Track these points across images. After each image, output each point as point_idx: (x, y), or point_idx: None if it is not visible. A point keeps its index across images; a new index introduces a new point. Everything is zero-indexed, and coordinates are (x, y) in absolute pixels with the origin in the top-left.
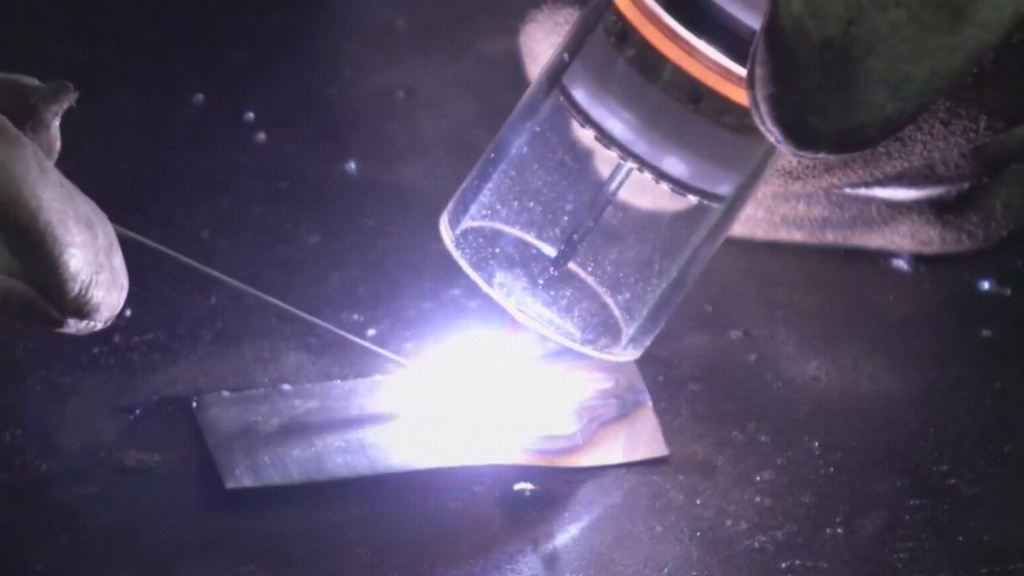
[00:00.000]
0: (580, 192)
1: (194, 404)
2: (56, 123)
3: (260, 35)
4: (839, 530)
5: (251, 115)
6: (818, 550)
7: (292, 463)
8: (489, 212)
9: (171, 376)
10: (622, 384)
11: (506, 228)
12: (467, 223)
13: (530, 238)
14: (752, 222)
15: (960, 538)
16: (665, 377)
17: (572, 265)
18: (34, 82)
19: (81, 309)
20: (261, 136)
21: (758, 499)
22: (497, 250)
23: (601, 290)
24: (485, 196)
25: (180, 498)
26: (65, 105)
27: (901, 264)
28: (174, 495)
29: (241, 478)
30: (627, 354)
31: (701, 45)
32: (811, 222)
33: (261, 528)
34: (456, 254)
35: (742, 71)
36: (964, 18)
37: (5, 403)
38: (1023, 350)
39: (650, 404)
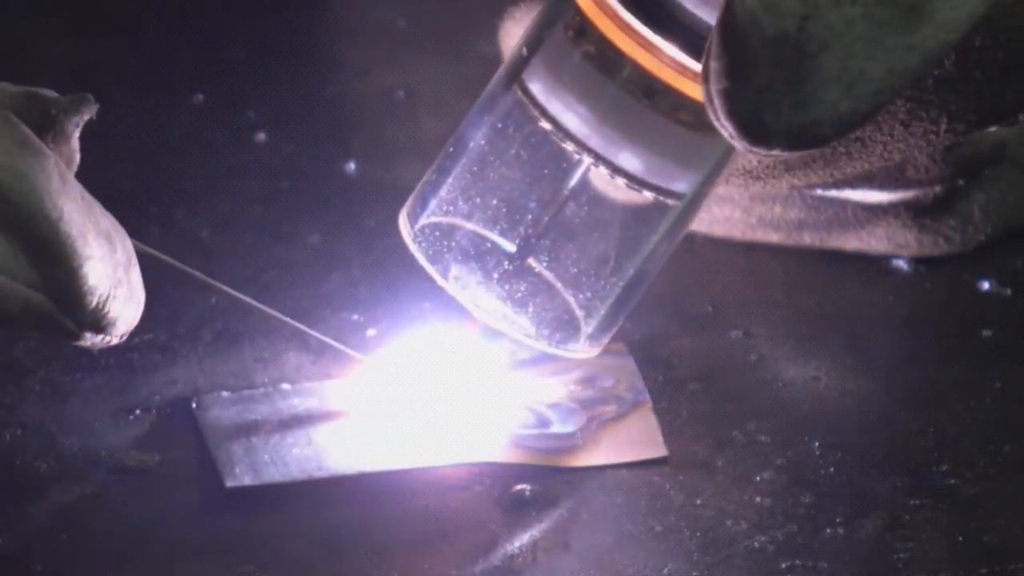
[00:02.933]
0: (539, 188)
1: (194, 404)
2: (76, 135)
3: (260, 35)
4: (839, 530)
5: (251, 115)
6: (818, 550)
7: (292, 461)
8: (448, 207)
9: (171, 376)
10: (622, 384)
11: (464, 223)
12: (426, 218)
13: (488, 233)
14: (729, 223)
15: (960, 538)
16: (665, 377)
17: (530, 261)
18: (53, 94)
19: (98, 323)
20: (261, 136)
21: (758, 499)
22: (454, 244)
23: (558, 286)
24: (444, 191)
25: (180, 498)
26: (86, 117)
27: (901, 264)
28: (174, 495)
29: (241, 476)
30: (584, 351)
31: (657, 40)
32: (787, 224)
33: (261, 528)
34: (413, 248)
35: (698, 67)
36: (921, 16)
37: (5, 403)
38: (1023, 350)
39: (650, 404)
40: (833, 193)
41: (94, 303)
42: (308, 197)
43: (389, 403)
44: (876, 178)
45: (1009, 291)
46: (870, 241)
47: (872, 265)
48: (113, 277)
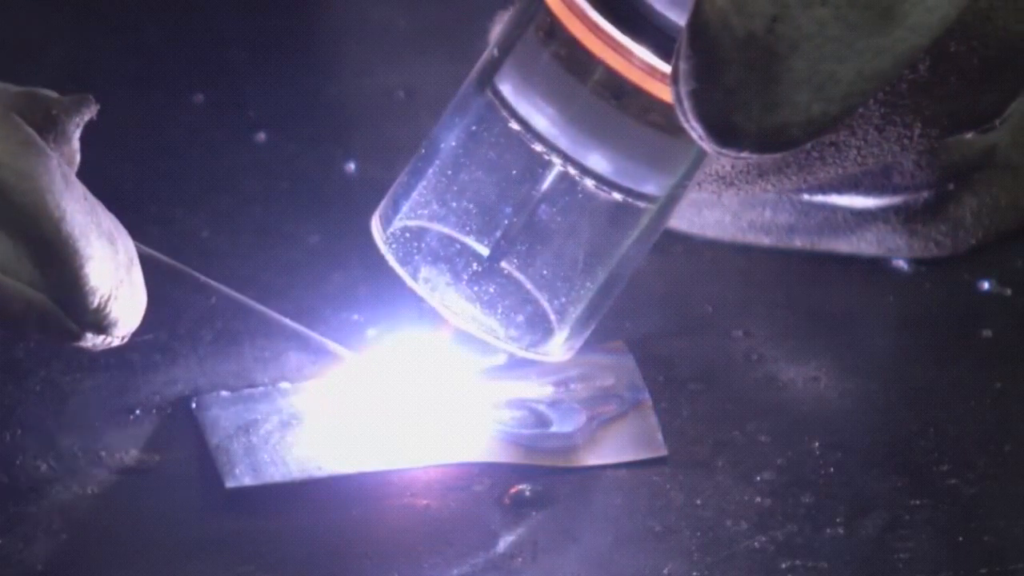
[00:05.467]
0: (510, 191)
1: (194, 404)
2: (77, 135)
3: (260, 35)
4: (839, 530)
5: (251, 115)
6: (818, 550)
7: (292, 461)
8: (420, 211)
9: (171, 376)
10: (622, 383)
11: (436, 226)
12: (398, 222)
13: (460, 236)
14: (719, 227)
15: (960, 538)
16: (665, 377)
17: (501, 263)
18: (54, 95)
19: (100, 323)
20: (261, 136)
21: (758, 499)
22: (425, 247)
23: (530, 288)
24: (416, 194)
25: (180, 498)
26: (87, 117)
27: (901, 264)
28: (174, 495)
29: (241, 477)
30: (556, 354)
31: (627, 42)
32: (778, 228)
33: (261, 528)
34: (385, 250)
35: (668, 69)
36: (892, 19)
37: (5, 403)
38: (1023, 350)
39: (650, 403)
40: (820, 198)
41: (96, 303)
42: (308, 197)
43: (389, 403)
44: (863, 184)
45: (1009, 291)
46: (860, 245)
47: (872, 265)
48: (115, 277)
